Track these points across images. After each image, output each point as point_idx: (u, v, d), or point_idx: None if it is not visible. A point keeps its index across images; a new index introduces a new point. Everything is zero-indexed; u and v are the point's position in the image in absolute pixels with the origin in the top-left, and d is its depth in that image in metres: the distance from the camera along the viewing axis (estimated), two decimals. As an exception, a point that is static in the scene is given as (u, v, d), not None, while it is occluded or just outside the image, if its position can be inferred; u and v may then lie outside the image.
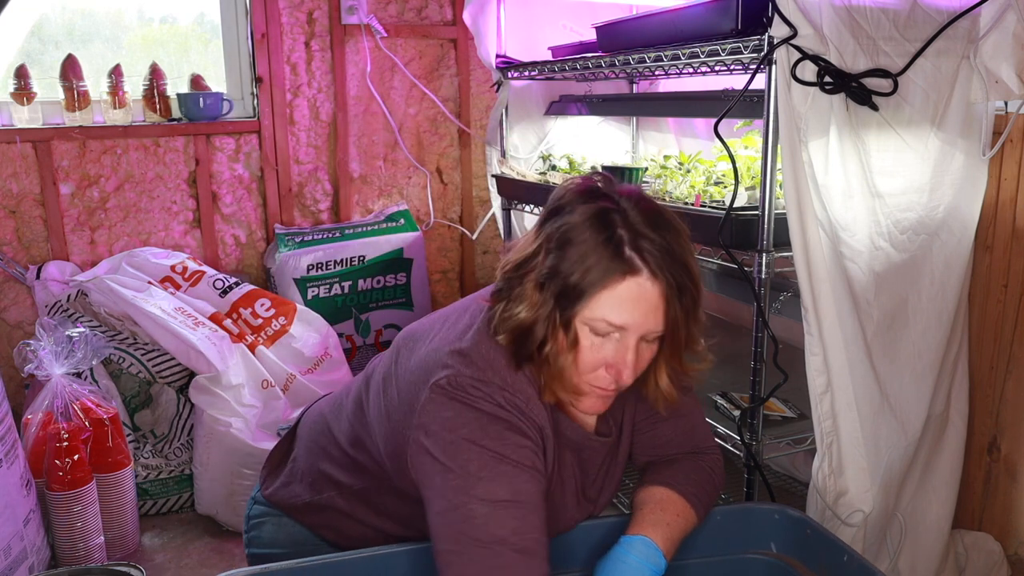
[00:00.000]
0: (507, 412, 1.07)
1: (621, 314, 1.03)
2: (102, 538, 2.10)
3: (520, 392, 1.09)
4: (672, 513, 1.18)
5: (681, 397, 1.21)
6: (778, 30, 1.43)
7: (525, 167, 2.60)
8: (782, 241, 1.54)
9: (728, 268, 1.68)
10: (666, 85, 2.54)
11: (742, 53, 1.54)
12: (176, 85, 2.75)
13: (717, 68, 1.93)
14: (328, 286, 2.77)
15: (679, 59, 1.75)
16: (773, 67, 1.46)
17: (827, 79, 1.45)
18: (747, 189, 1.73)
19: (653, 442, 1.29)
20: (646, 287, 1.02)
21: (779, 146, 1.49)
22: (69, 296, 2.42)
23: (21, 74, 2.50)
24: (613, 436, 1.25)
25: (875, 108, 1.51)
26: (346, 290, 2.80)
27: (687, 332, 1.07)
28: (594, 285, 1.01)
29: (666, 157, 2.23)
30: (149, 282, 2.44)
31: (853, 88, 1.48)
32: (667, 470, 1.26)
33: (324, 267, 2.75)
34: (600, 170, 2.18)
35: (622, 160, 2.67)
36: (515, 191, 2.46)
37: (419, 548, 1.18)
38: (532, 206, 2.40)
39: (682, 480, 1.23)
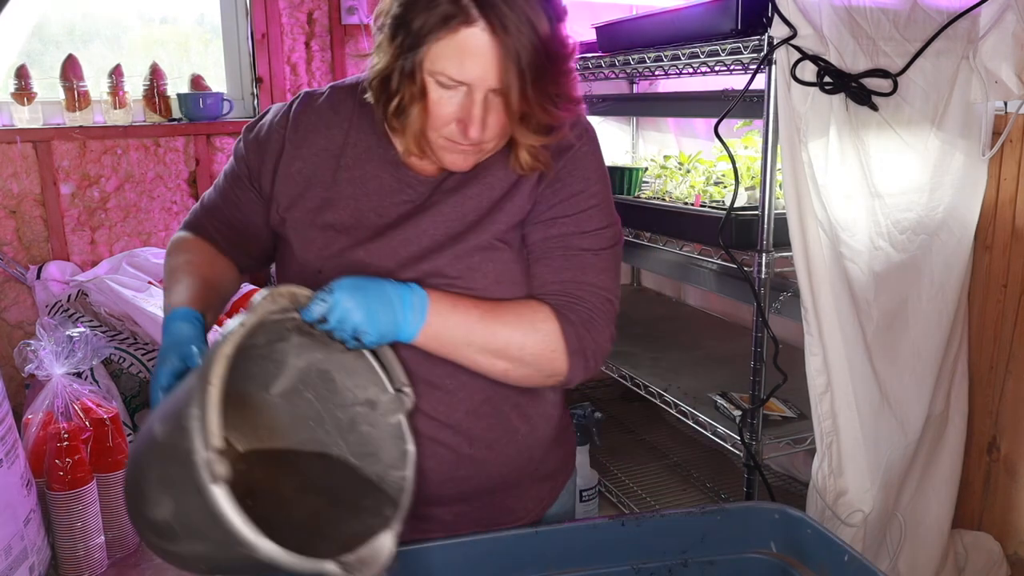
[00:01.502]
0: (295, 105, 1.19)
1: (458, 68, 0.97)
2: (102, 538, 2.10)
3: (329, 95, 1.19)
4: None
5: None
6: (778, 30, 1.43)
7: (525, 167, 2.60)
8: (782, 241, 1.55)
9: (728, 268, 1.68)
10: (666, 85, 2.54)
11: (742, 53, 1.54)
12: (176, 85, 2.75)
13: (717, 68, 1.94)
14: (328, 286, 2.77)
15: (679, 59, 1.75)
16: (773, 67, 1.46)
17: (827, 79, 1.46)
18: (747, 189, 1.73)
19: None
20: (480, 39, 0.95)
21: (779, 146, 1.50)
22: (69, 296, 2.42)
23: (21, 74, 2.51)
24: (446, 182, 1.14)
25: (875, 108, 1.51)
26: (346, 290, 2.80)
27: (523, 93, 0.98)
28: (431, 33, 0.96)
29: (666, 157, 2.23)
30: (149, 282, 2.44)
31: (853, 88, 1.48)
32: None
33: (324, 267, 2.75)
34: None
35: (622, 160, 2.68)
36: (515, 191, 2.45)
37: (420, 548, 1.18)
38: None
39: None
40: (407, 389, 1.02)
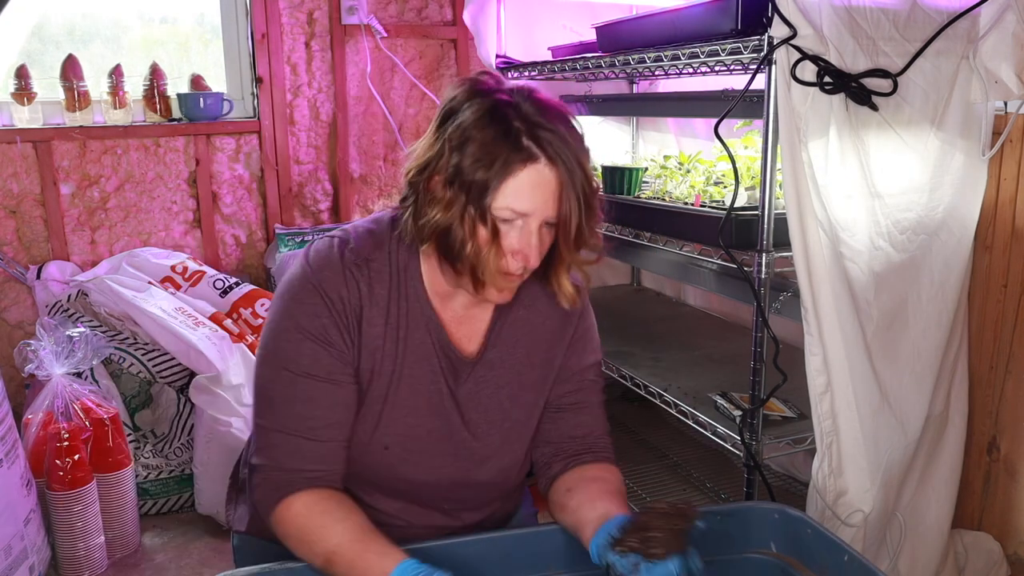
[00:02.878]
0: (327, 274, 1.13)
1: (523, 201, 1.06)
2: (102, 538, 2.10)
3: (375, 255, 1.16)
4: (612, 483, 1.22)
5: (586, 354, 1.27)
6: (778, 30, 1.43)
7: (525, 167, 2.60)
8: (782, 241, 1.54)
9: (728, 268, 1.68)
10: (666, 85, 2.54)
11: (742, 53, 1.54)
12: (176, 85, 2.76)
13: (717, 68, 1.93)
14: (328, 286, 2.77)
15: (679, 59, 1.75)
16: (773, 67, 1.46)
17: (827, 79, 1.45)
18: (747, 189, 1.73)
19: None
20: (544, 173, 1.06)
21: (779, 146, 1.49)
22: (69, 296, 2.42)
23: (21, 74, 2.51)
24: (489, 357, 1.22)
25: (875, 108, 1.51)
26: (346, 290, 2.80)
27: (579, 221, 1.09)
28: (498, 176, 1.04)
29: (666, 157, 2.23)
30: (149, 282, 2.44)
31: (853, 88, 1.48)
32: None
33: (324, 267, 2.75)
34: (601, 168, 2.19)
35: (622, 160, 2.68)
36: (515, 191, 2.45)
37: (419, 548, 1.18)
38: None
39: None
40: None
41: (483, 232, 1.07)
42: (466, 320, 1.21)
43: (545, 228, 1.10)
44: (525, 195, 1.05)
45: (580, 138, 1.11)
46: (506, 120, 1.05)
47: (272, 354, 1.14)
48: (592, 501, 1.15)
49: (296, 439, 1.13)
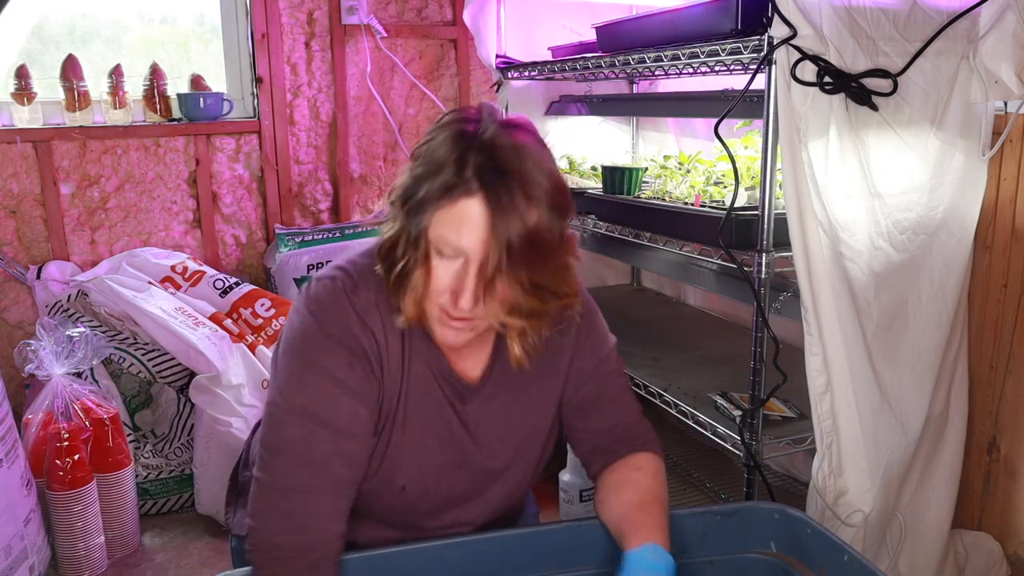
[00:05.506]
0: (347, 318, 1.09)
1: (456, 235, 0.99)
2: (102, 538, 2.10)
3: (380, 298, 1.10)
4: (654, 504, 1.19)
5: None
6: (778, 30, 1.43)
7: (525, 167, 2.60)
8: (782, 241, 1.54)
9: (728, 268, 1.68)
10: (666, 85, 2.54)
11: (742, 53, 1.54)
12: (176, 85, 2.76)
13: (717, 68, 1.94)
14: (328, 286, 2.77)
15: (679, 59, 1.75)
16: (773, 67, 1.46)
17: (827, 79, 1.45)
18: (747, 189, 1.74)
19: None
20: (477, 210, 0.98)
21: (779, 146, 1.50)
22: (69, 296, 2.42)
23: (21, 74, 2.51)
24: (495, 377, 1.20)
25: (875, 108, 1.51)
26: (346, 290, 2.80)
27: (502, 270, 0.99)
28: (432, 200, 0.99)
29: (666, 157, 2.23)
30: (149, 282, 2.44)
31: (853, 88, 1.48)
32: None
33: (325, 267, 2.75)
34: (601, 168, 2.19)
35: (622, 160, 2.68)
36: (515, 191, 2.45)
37: (419, 548, 1.18)
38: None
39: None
40: None
41: (417, 254, 1.02)
42: (467, 347, 1.16)
43: (499, 277, 1.00)
44: (457, 230, 0.99)
45: (542, 182, 1.00)
46: (463, 144, 0.99)
47: (303, 411, 1.07)
48: (624, 522, 1.15)
49: (337, 501, 1.09)
